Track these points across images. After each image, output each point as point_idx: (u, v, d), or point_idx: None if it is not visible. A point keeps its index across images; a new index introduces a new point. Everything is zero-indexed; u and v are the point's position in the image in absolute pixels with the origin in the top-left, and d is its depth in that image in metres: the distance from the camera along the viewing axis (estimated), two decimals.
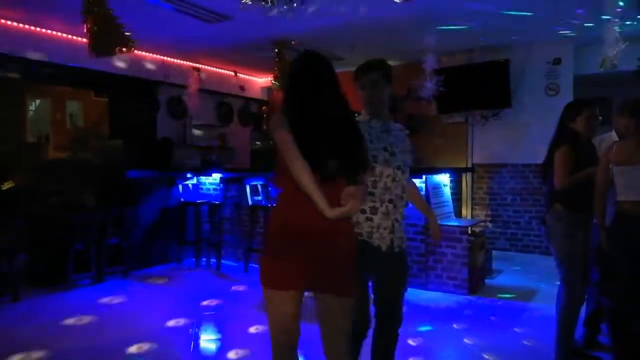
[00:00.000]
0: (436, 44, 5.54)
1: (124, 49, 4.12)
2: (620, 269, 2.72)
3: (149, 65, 6.99)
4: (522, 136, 6.62)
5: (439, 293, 4.69)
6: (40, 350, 3.31)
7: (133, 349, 3.32)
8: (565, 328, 2.94)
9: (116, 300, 4.54)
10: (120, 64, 6.36)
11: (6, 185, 5.15)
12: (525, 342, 3.49)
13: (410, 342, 3.48)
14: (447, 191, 5.33)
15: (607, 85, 6.38)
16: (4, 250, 4.42)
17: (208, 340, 3.55)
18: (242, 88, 8.29)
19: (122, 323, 3.88)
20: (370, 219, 2.27)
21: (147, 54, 6.94)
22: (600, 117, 3.05)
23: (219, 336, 3.64)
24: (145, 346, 3.38)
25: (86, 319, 3.98)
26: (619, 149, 2.71)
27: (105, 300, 4.51)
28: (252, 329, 3.66)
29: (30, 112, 7.89)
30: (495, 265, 5.52)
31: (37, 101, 8.03)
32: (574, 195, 2.88)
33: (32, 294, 4.58)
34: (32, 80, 5.94)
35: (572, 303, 2.91)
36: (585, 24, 5.40)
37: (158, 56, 7.10)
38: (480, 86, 6.58)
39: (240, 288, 4.77)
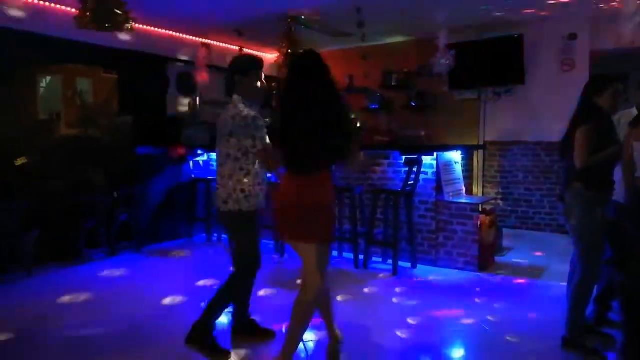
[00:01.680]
0: (447, 19, 5.43)
1: (125, 25, 4.06)
2: (636, 246, 2.70)
3: (158, 41, 6.94)
4: (535, 113, 6.52)
5: (449, 270, 4.71)
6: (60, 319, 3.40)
7: (144, 322, 3.39)
8: (579, 305, 2.93)
9: (128, 272, 4.62)
10: (129, 40, 6.30)
11: (19, 161, 5.20)
12: (534, 319, 3.50)
13: (415, 319, 3.52)
14: (458, 168, 5.29)
15: (625, 61, 6.23)
16: (17, 227, 4.49)
17: None
18: None
19: (136, 293, 3.95)
20: (262, 190, 2.87)
21: (156, 29, 6.89)
22: None
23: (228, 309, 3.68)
24: (155, 320, 3.44)
25: (96, 290, 4.07)
26: None
27: (117, 272, 4.60)
28: (261, 292, 3.73)
29: (41, 90, 7.91)
30: (505, 243, 5.52)
31: (48, 78, 8.04)
32: (593, 173, 2.84)
33: (46, 269, 4.67)
34: (42, 58, 5.92)
35: (588, 280, 2.90)
36: None
37: (167, 31, 7.04)
38: (493, 62, 6.46)
39: None
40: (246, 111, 2.71)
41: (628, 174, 2.84)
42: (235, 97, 2.81)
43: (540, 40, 6.44)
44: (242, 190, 2.78)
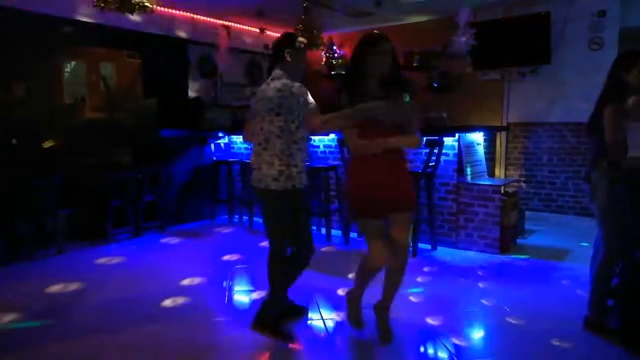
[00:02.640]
0: None
1: (146, 4, 4.09)
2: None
3: (179, 23, 6.98)
4: (561, 93, 6.37)
5: (470, 252, 4.69)
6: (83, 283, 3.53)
7: (168, 302, 3.49)
8: (601, 285, 2.91)
9: (153, 252, 4.75)
10: (150, 22, 6.36)
11: (47, 144, 5.35)
12: (556, 299, 3.47)
13: (435, 300, 3.53)
14: (480, 150, 5.23)
15: None
16: (47, 206, 4.65)
17: (241, 292, 3.68)
18: (266, 47, 8.09)
19: (160, 273, 4.06)
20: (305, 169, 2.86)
21: (177, 12, 6.92)
22: None
23: (251, 288, 3.76)
24: (179, 300, 3.54)
25: (124, 269, 4.20)
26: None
27: (143, 252, 4.73)
28: None
29: (66, 74, 8.07)
30: (528, 225, 5.45)
31: (72, 63, 8.18)
32: (622, 152, 2.78)
33: (75, 247, 4.83)
34: (67, 42, 6.03)
35: (611, 261, 2.87)
36: None
37: (188, 14, 7.07)
38: (518, 41, 6.30)
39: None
40: (291, 82, 2.74)
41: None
42: (277, 71, 2.82)
43: (567, 18, 6.24)
44: (295, 166, 2.75)
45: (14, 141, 5.03)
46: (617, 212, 2.81)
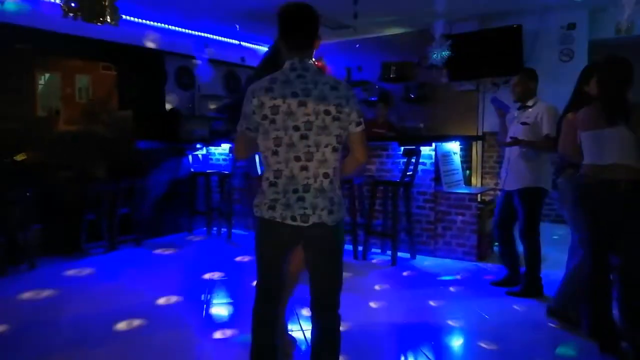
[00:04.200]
0: (446, 10, 5.42)
1: (108, 20, 4.08)
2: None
3: (156, 35, 6.93)
4: None
5: (448, 260, 4.73)
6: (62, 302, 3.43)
7: (139, 321, 3.42)
8: (572, 281, 2.97)
9: (127, 267, 4.65)
10: (126, 34, 6.31)
11: (20, 157, 5.22)
12: (531, 305, 3.52)
13: (414, 309, 3.54)
14: (457, 159, 5.30)
15: (623, 50, 6.19)
16: (19, 221, 4.52)
17: (219, 304, 3.63)
18: (242, 59, 8.08)
19: (135, 288, 3.97)
20: None
21: (154, 23, 6.88)
22: None
23: (230, 300, 3.71)
24: (152, 317, 3.47)
25: (94, 286, 4.10)
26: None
27: (116, 267, 4.63)
28: None
29: (40, 87, 7.93)
30: None
31: (47, 75, 8.05)
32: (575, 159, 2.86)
33: (47, 262, 4.69)
34: (41, 53, 5.93)
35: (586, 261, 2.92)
36: None
37: (165, 25, 7.04)
38: (492, 53, 6.45)
39: (248, 257, 4.88)
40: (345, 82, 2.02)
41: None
42: (308, 60, 1.98)
43: (539, 31, 6.42)
44: (340, 188, 2.01)
45: None
46: (584, 216, 2.86)
